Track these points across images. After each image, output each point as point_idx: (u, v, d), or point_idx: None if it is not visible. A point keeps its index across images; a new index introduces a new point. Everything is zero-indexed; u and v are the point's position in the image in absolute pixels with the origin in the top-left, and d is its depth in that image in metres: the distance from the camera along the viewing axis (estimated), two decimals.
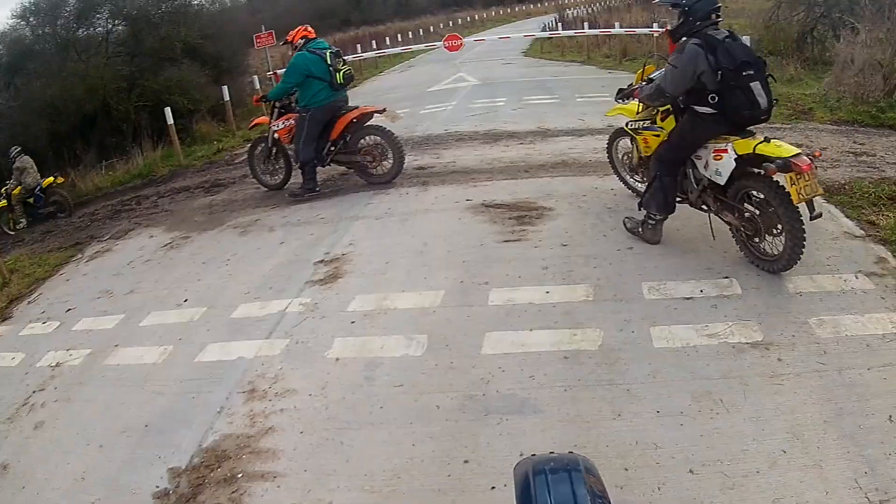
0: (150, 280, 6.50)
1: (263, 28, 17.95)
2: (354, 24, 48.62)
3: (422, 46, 22.49)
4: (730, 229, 5.10)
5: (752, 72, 4.60)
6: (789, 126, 9.44)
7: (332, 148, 7.63)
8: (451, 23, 45.29)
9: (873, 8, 11.56)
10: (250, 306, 5.38)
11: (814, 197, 4.49)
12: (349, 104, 7.70)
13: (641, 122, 5.72)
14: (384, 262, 5.80)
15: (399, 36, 35.39)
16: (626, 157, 6.41)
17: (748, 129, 4.84)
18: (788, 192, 4.47)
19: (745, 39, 10.24)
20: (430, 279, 5.35)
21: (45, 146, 13.08)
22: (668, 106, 5.28)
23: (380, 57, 24.74)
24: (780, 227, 4.66)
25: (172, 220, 8.60)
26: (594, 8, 36.65)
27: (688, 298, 4.61)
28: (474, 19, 49.39)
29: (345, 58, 7.54)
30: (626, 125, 5.96)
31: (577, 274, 5.14)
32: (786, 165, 4.41)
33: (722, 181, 4.85)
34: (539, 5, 58.25)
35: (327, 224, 6.95)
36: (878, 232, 5.36)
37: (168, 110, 12.15)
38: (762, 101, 4.62)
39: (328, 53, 7.27)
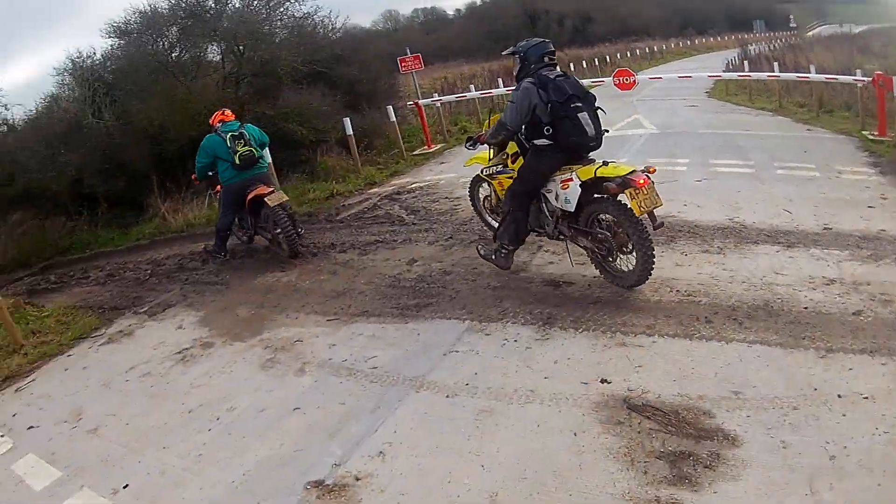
0: (125, 415, 5.25)
1: (409, 51, 16.58)
2: None
3: (587, 82, 19.97)
4: (586, 253, 6.02)
5: (579, 104, 5.65)
6: None
7: (243, 221, 8.80)
8: (628, 53, 45.88)
9: None
10: None
11: (654, 209, 5.40)
12: (266, 181, 8.56)
13: (495, 168, 6.71)
14: None
15: (573, 65, 34.54)
16: (486, 201, 7.42)
17: (588, 157, 5.81)
18: (631, 208, 5.34)
19: None
20: None
21: (150, 168, 12.52)
22: (517, 149, 6.28)
23: None
24: (630, 244, 5.56)
25: (216, 306, 7.30)
26: (775, 45, 34.28)
27: None
28: (653, 51, 49.68)
29: (248, 140, 8.31)
30: (482, 171, 6.97)
31: None
32: (624, 182, 5.34)
33: (571, 208, 5.78)
34: (719, 39, 59.38)
35: (373, 386, 4.94)
36: None
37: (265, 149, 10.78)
38: (589, 129, 5.66)
39: (228, 136, 8.19)
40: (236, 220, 8.82)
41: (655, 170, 5.68)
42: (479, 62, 41.28)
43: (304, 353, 5.64)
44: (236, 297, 7.37)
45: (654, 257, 5.51)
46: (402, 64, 16.41)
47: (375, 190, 11.51)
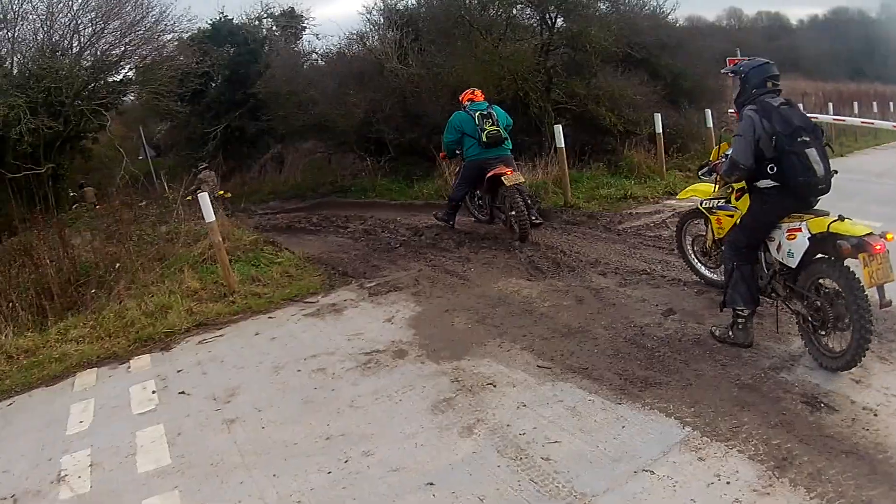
0: (268, 415, 4.70)
1: (739, 52, 14.44)
2: (868, 77, 44.35)
3: None
4: (796, 319, 5.22)
5: (807, 138, 4.90)
6: None
7: (480, 201, 9.05)
8: None
9: None
10: None
11: (885, 283, 4.62)
12: (508, 163, 8.59)
13: (716, 201, 6.02)
14: None
15: None
16: (697, 241, 6.66)
17: (818, 208, 5.06)
18: (860, 279, 4.64)
19: None
20: None
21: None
22: (744, 184, 5.49)
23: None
24: (847, 320, 4.78)
25: (439, 305, 6.48)
26: None
27: None
28: None
29: (496, 120, 8.52)
30: (701, 204, 6.22)
31: None
32: (860, 245, 4.61)
33: (794, 264, 5.10)
34: None
35: (528, 487, 3.61)
36: None
37: (559, 129, 9.85)
38: (818, 168, 4.89)
39: (477, 115, 8.49)
40: (476, 199, 9.20)
41: (894, 237, 4.77)
42: (815, 80, 37.65)
43: (487, 404, 4.49)
44: (465, 300, 6.48)
45: (870, 341, 4.75)
46: (730, 65, 14.43)
47: (672, 202, 9.84)
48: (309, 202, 12.68)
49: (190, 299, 7.01)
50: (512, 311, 6.09)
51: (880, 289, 4.61)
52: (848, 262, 4.70)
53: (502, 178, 8.13)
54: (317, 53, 15.58)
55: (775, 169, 4.92)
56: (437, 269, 7.42)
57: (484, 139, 8.41)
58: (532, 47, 12.55)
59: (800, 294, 5.09)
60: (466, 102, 8.79)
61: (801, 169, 4.82)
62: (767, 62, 5.32)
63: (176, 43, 15.70)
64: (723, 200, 5.91)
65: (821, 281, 5.00)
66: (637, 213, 9.37)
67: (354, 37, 14.90)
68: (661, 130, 11.22)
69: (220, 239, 7.35)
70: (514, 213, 8.18)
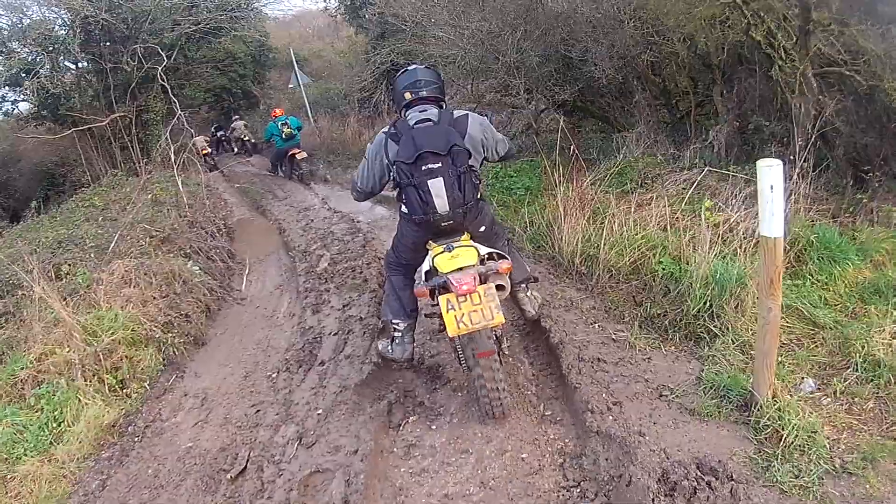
0: None
1: None
2: None
3: None
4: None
5: (434, 165, 4.00)
6: None
7: (284, 167, 15.84)
8: None
9: None
10: None
11: (485, 328, 3.77)
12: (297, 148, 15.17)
13: None
14: None
15: None
16: None
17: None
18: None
19: None
20: None
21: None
22: None
23: None
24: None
25: None
26: None
27: None
28: None
29: (289, 125, 15.28)
30: None
31: None
32: (444, 286, 3.86)
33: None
34: None
35: None
36: None
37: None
38: (440, 202, 4.03)
39: (280, 123, 15.21)
40: (280, 165, 16.15)
41: (510, 268, 4.07)
42: None
43: None
44: None
45: (498, 401, 4.02)
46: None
47: None
48: None
49: None
50: None
51: (474, 335, 3.78)
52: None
53: (296, 156, 15.03)
54: None
55: (405, 199, 4.15)
56: None
57: (283, 136, 15.22)
58: None
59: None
60: (273, 117, 15.56)
61: (417, 205, 4.03)
62: (410, 67, 4.38)
63: None
64: None
65: None
66: None
67: None
68: None
69: None
70: (300, 172, 14.84)
